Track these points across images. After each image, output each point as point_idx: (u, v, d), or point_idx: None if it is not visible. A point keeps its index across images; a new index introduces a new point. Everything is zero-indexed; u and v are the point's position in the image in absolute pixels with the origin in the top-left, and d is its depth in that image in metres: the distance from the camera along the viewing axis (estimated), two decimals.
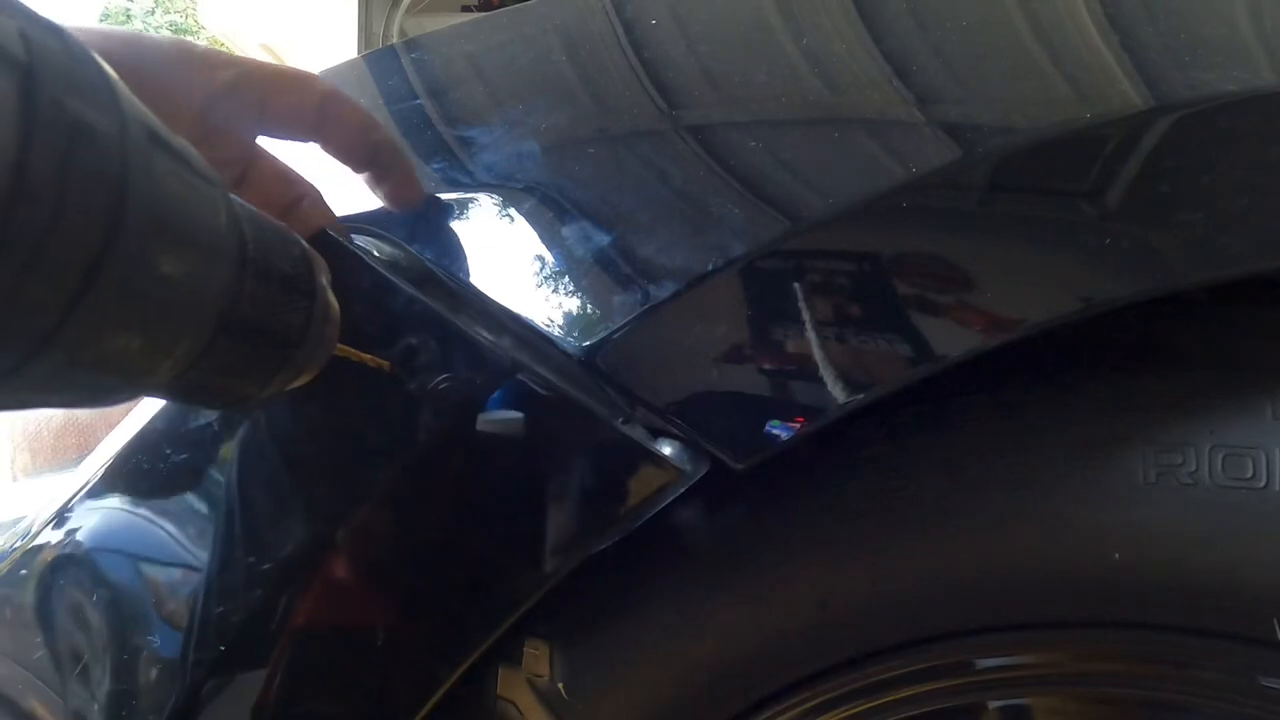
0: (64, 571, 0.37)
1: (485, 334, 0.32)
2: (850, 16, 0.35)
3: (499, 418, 0.32)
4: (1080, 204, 0.29)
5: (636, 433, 0.32)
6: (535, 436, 0.31)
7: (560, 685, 0.35)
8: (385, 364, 0.32)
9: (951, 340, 0.29)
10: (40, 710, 0.37)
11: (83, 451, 0.37)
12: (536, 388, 0.31)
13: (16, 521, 0.38)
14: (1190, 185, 0.28)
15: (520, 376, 0.31)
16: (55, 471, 0.38)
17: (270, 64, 0.33)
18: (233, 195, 0.25)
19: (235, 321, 0.24)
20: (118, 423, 0.37)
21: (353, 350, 0.31)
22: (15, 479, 0.40)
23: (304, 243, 0.28)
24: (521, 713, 0.36)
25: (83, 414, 0.38)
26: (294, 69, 0.34)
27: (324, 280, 0.28)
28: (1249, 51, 0.30)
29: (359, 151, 0.35)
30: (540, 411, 0.31)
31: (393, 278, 0.33)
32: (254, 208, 0.27)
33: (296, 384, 0.29)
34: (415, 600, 0.33)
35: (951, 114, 0.31)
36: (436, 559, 0.33)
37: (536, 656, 0.35)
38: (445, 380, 0.32)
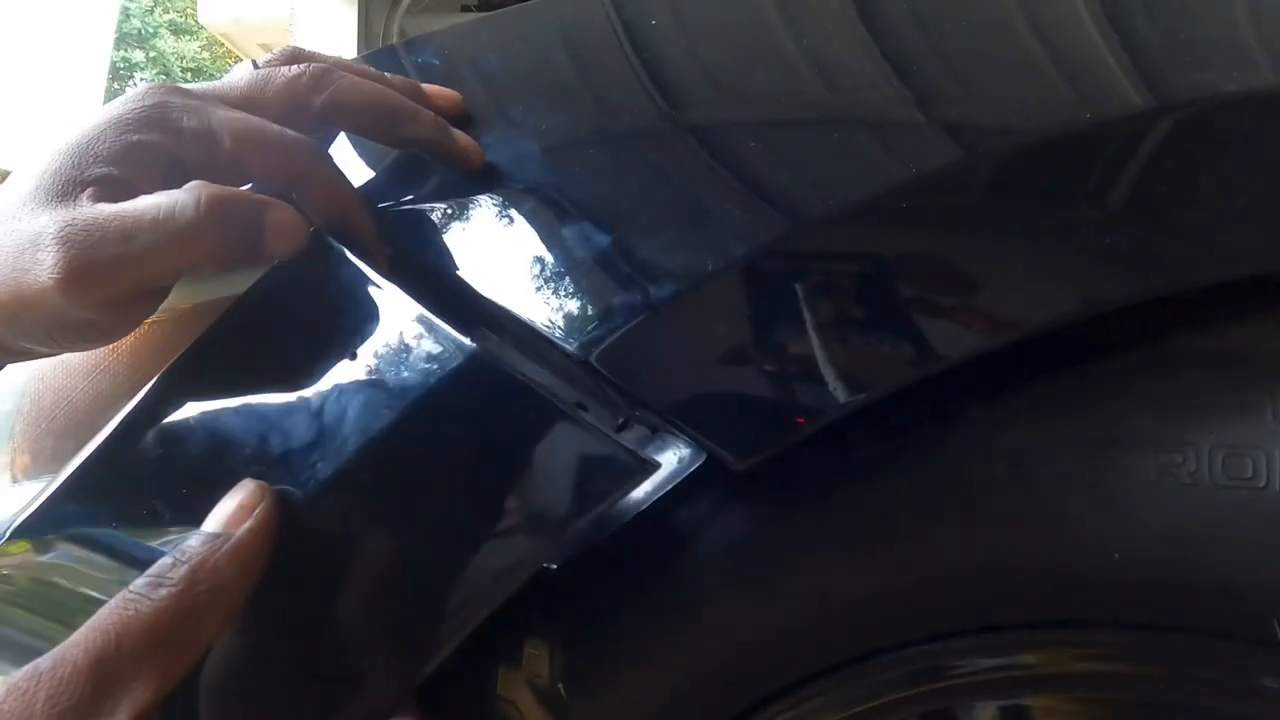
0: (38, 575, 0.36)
1: (460, 327, 0.31)
2: (850, 16, 0.35)
3: (465, 409, 0.31)
4: (1080, 204, 0.29)
5: (622, 432, 0.32)
6: (504, 430, 0.31)
7: (560, 685, 0.35)
8: None
9: (952, 341, 0.29)
10: None
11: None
12: (505, 379, 0.30)
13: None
14: (1190, 185, 0.28)
15: (487, 367, 0.30)
16: (55, 474, 0.38)
17: (253, 131, 0.33)
18: None
19: None
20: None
21: None
22: (16, 480, 0.40)
23: None
24: (521, 713, 0.36)
25: (84, 416, 0.38)
26: (280, 138, 0.33)
27: None
28: (1249, 51, 0.30)
29: (330, 224, 0.35)
30: (509, 403, 0.31)
31: (367, 269, 0.32)
32: None
33: None
34: (383, 593, 0.33)
35: (951, 114, 0.31)
36: (403, 556, 0.32)
37: (536, 656, 0.35)
38: (408, 370, 0.31)
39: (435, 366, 0.30)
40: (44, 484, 0.37)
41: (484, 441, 0.31)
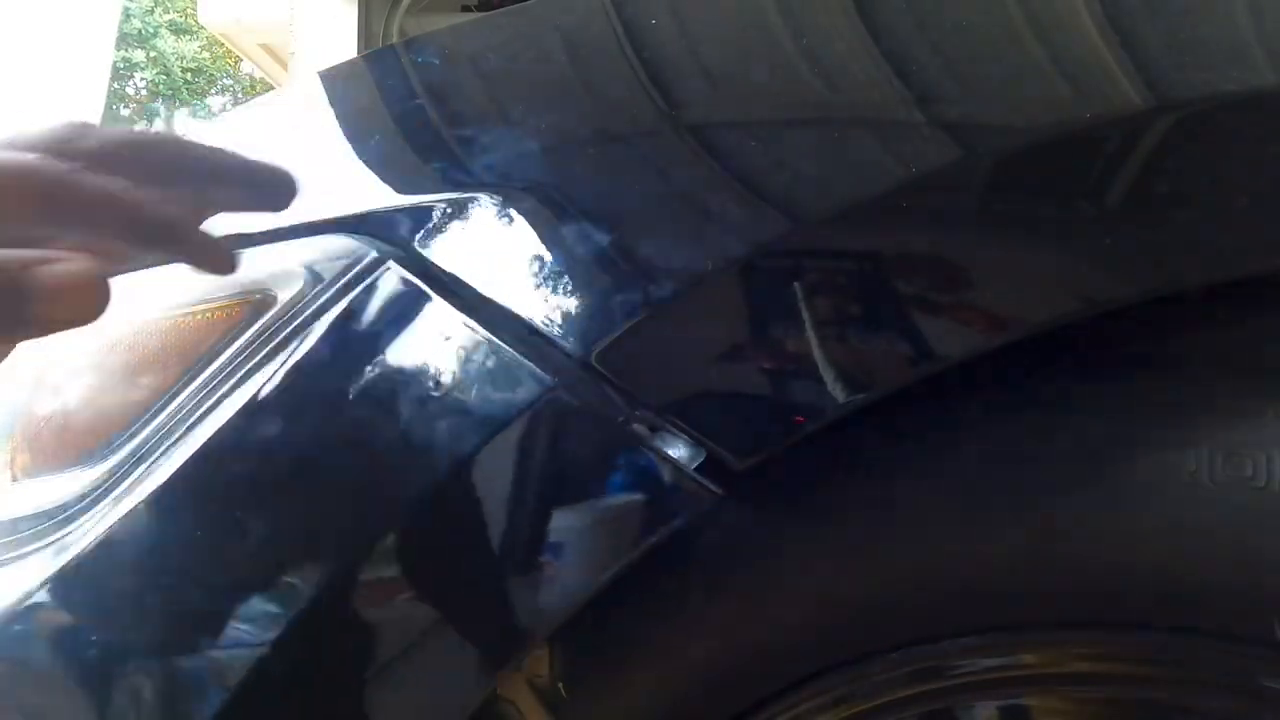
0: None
1: (516, 346, 0.32)
2: (850, 16, 0.35)
3: (544, 439, 0.32)
4: (1080, 204, 0.29)
5: (667, 449, 0.32)
6: (566, 452, 0.32)
7: (560, 685, 0.35)
8: None
9: (952, 340, 0.29)
10: None
11: (82, 452, 0.37)
12: (568, 402, 0.31)
13: (16, 522, 0.38)
14: (1190, 185, 0.28)
15: (555, 392, 0.31)
16: (55, 473, 0.38)
17: None
18: None
19: None
20: (120, 424, 0.37)
21: None
22: (15, 479, 0.40)
23: None
24: (521, 713, 0.36)
25: (84, 414, 0.38)
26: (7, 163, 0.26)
27: None
28: (1249, 51, 0.30)
29: (133, 239, 0.28)
30: (584, 434, 0.31)
31: (430, 290, 0.33)
32: None
33: None
34: (437, 618, 0.33)
35: (951, 114, 0.31)
36: (463, 574, 0.32)
37: (536, 656, 0.35)
38: (477, 393, 0.32)
39: (518, 399, 0.31)
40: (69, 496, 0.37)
41: (561, 468, 0.32)
